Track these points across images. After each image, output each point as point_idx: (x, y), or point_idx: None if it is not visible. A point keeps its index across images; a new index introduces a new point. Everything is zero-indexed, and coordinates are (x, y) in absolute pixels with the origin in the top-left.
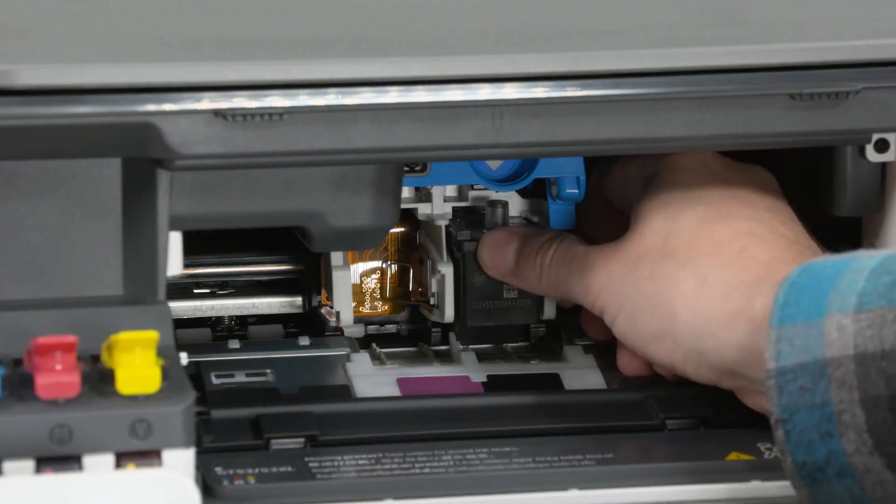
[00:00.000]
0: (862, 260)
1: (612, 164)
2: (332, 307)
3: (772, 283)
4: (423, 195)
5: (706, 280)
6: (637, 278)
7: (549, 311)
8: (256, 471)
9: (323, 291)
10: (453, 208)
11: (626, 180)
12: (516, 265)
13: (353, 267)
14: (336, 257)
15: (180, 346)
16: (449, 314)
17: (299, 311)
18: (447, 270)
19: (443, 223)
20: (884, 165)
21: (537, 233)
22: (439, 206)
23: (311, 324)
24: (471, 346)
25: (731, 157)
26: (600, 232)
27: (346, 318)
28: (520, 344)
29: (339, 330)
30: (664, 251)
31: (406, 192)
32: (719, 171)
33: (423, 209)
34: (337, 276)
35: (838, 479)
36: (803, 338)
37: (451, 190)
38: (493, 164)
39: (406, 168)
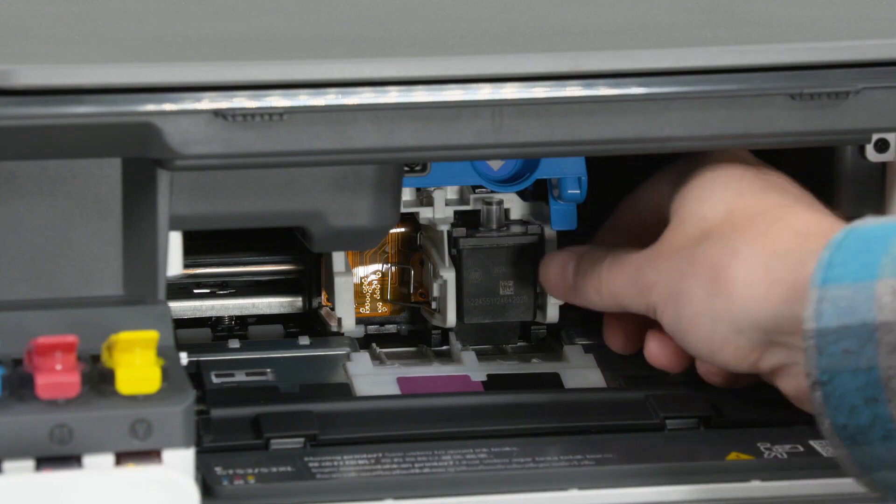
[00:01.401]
0: None
1: (639, 189)
2: (332, 308)
3: (809, 250)
4: (425, 198)
5: (742, 254)
6: (679, 266)
7: (552, 314)
8: (256, 471)
9: (323, 292)
10: (455, 212)
11: (659, 193)
12: (575, 283)
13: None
14: (338, 262)
15: (180, 346)
16: (451, 319)
17: (299, 311)
18: (449, 276)
19: (444, 227)
20: (884, 165)
21: (593, 248)
22: (441, 209)
23: (311, 324)
24: (471, 346)
25: None
26: (647, 236)
27: (348, 324)
28: (520, 344)
29: (339, 332)
30: (701, 234)
31: (407, 195)
32: (748, 159)
33: (425, 213)
34: (339, 281)
35: (882, 443)
36: (849, 299)
37: (452, 193)
38: (495, 165)
39: (406, 168)
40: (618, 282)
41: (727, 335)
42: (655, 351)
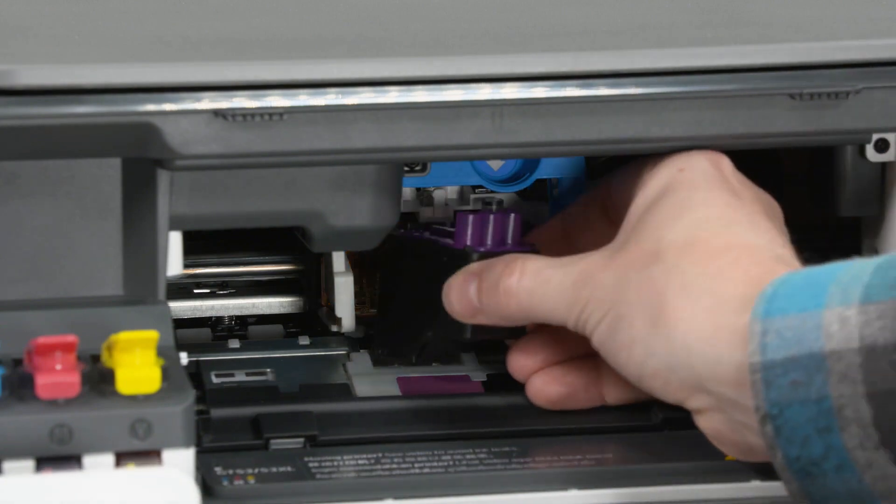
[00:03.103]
0: (861, 261)
1: (625, 164)
2: (332, 308)
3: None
4: (425, 198)
5: (691, 291)
6: (623, 287)
7: None
8: (256, 471)
9: (323, 293)
10: (455, 212)
11: (632, 181)
12: (480, 303)
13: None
14: (338, 263)
15: (180, 346)
16: None
17: (299, 311)
18: None
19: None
20: (884, 165)
21: (491, 263)
22: (441, 210)
23: (311, 324)
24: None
25: (732, 158)
26: (588, 238)
27: (348, 325)
28: None
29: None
30: (654, 256)
31: (407, 195)
32: (730, 180)
33: (425, 213)
34: (339, 282)
35: (836, 473)
36: (796, 330)
37: (452, 193)
38: (495, 165)
39: (406, 168)
40: (536, 296)
41: (660, 369)
42: (539, 386)
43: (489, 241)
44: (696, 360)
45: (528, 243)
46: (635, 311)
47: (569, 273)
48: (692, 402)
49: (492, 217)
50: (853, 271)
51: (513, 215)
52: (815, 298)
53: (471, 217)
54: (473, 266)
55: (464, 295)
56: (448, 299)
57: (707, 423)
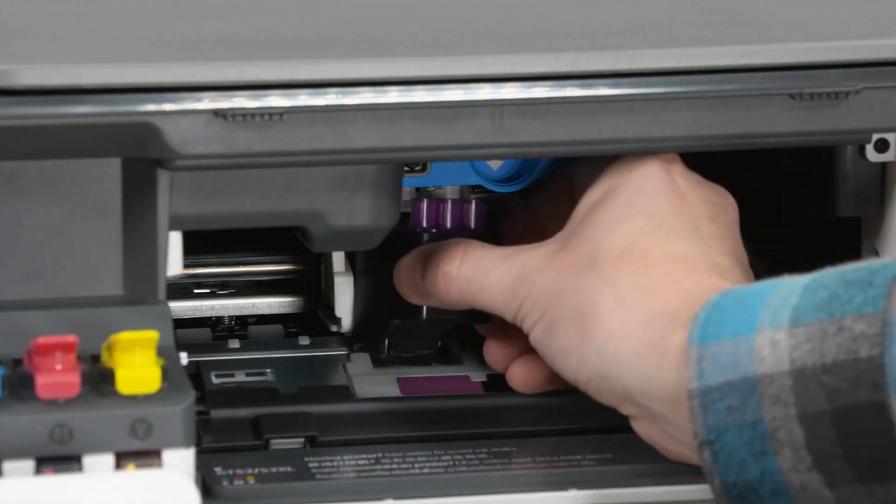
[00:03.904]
0: (790, 280)
1: (588, 160)
2: (332, 308)
3: (690, 316)
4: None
5: (624, 303)
6: (560, 289)
7: None
8: (256, 471)
9: (323, 292)
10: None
11: (589, 174)
12: (424, 284)
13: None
14: (338, 263)
15: (180, 346)
16: None
17: (299, 311)
18: None
19: None
20: (884, 165)
21: (437, 246)
22: None
23: (311, 324)
24: (471, 346)
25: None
26: (556, 224)
27: (347, 324)
28: None
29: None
30: (591, 263)
31: (407, 195)
32: (679, 185)
33: None
34: (339, 281)
35: (771, 498)
36: (730, 355)
37: (452, 193)
38: (494, 165)
39: (406, 168)
40: (475, 285)
41: (592, 376)
42: (521, 375)
43: (448, 227)
44: (625, 374)
45: (496, 232)
46: (570, 318)
47: (510, 267)
48: (624, 410)
49: (449, 203)
50: (782, 292)
51: (474, 203)
52: (747, 322)
53: (425, 201)
54: (422, 248)
55: (411, 276)
56: (397, 280)
57: (640, 429)
